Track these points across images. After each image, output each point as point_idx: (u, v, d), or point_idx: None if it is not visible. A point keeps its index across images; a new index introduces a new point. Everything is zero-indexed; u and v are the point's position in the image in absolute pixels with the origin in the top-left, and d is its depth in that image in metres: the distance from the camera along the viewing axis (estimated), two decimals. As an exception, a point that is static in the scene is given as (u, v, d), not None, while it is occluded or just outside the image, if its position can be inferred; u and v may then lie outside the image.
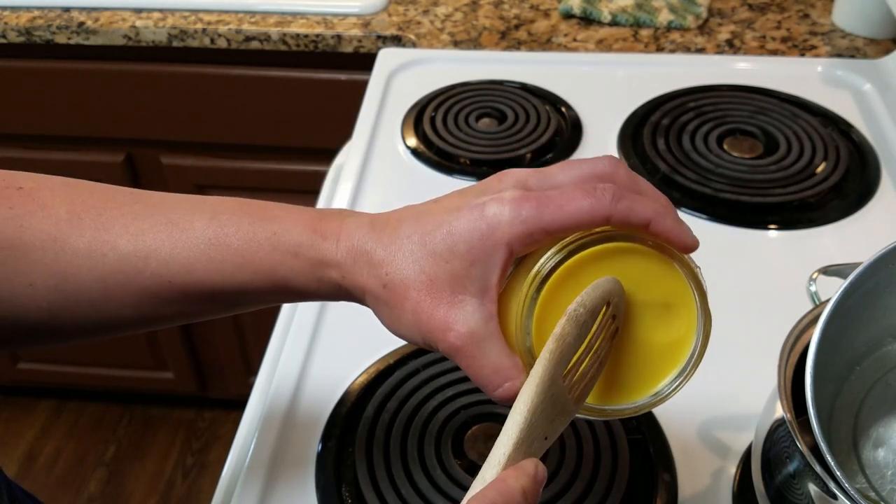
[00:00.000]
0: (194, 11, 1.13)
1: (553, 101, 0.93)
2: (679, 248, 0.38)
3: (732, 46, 1.03)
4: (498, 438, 0.34)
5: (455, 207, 0.39)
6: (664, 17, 1.06)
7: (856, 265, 0.45)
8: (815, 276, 0.55)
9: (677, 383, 0.39)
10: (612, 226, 0.38)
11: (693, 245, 0.38)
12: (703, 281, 0.38)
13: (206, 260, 0.41)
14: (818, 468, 0.41)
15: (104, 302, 0.42)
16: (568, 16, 1.09)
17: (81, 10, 1.14)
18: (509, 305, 0.39)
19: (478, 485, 0.33)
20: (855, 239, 0.75)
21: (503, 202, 0.38)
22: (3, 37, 1.13)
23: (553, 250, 0.38)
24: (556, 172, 0.40)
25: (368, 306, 0.41)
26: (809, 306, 0.51)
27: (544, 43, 1.05)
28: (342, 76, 1.13)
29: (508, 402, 0.37)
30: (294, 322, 0.69)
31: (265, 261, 0.41)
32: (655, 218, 0.37)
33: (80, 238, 0.41)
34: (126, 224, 0.41)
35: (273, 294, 0.43)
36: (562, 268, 0.37)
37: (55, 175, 0.44)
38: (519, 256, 0.39)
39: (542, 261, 0.38)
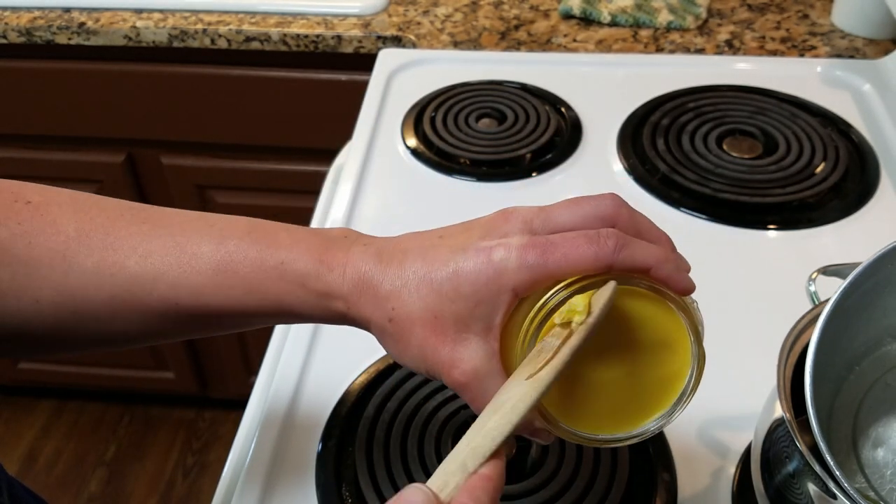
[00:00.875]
0: (195, 12, 1.13)
1: (553, 102, 0.93)
2: (677, 292, 0.39)
3: (732, 47, 1.03)
4: (489, 426, 0.34)
5: (461, 247, 0.40)
6: (664, 17, 1.06)
7: (855, 265, 0.45)
8: (814, 276, 0.56)
9: (667, 419, 0.40)
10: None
11: (690, 289, 0.40)
12: (700, 322, 0.40)
13: (214, 286, 0.42)
14: (817, 468, 0.41)
15: (110, 320, 0.42)
16: (568, 16, 1.10)
17: (82, 10, 1.14)
18: (511, 340, 0.40)
19: (455, 468, 0.34)
20: (854, 239, 0.75)
21: (510, 248, 0.39)
22: (4, 37, 1.14)
23: (555, 290, 0.39)
24: (560, 212, 0.40)
25: (373, 335, 0.42)
26: (809, 306, 0.51)
27: (544, 43, 1.05)
28: (342, 76, 1.13)
29: None
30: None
31: (272, 289, 0.41)
32: (656, 265, 0.39)
33: (88, 257, 0.41)
34: (134, 245, 0.42)
35: (279, 318, 0.43)
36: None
37: (59, 181, 0.45)
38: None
39: (543, 300, 0.39)
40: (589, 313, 0.37)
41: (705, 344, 0.40)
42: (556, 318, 0.38)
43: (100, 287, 0.41)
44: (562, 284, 0.38)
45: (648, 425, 0.40)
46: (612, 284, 0.38)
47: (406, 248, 0.41)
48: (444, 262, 0.39)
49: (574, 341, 0.37)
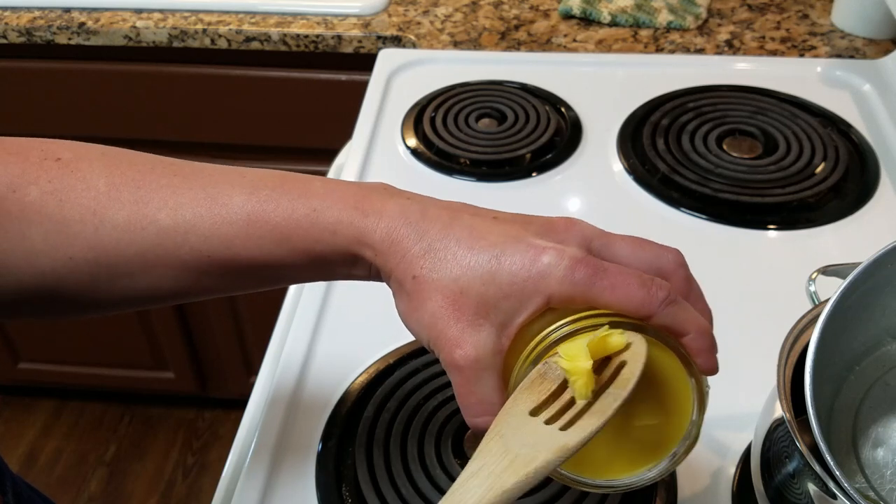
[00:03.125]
0: (195, 12, 1.13)
1: (553, 102, 0.93)
2: (702, 368, 0.38)
3: (732, 47, 1.03)
4: (504, 483, 0.33)
5: (514, 237, 0.39)
6: (664, 17, 1.06)
7: (855, 265, 0.45)
8: (814, 276, 0.56)
9: (641, 481, 0.39)
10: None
11: (715, 370, 0.39)
12: (707, 404, 0.39)
13: (245, 236, 0.41)
14: (817, 468, 0.41)
15: (143, 275, 0.42)
16: (568, 16, 1.10)
17: (82, 10, 1.14)
18: (519, 347, 0.39)
19: None
20: (854, 239, 0.75)
21: (562, 256, 0.37)
22: (4, 37, 1.14)
23: (587, 314, 0.38)
24: (621, 245, 0.40)
25: (390, 288, 0.41)
26: (809, 306, 0.51)
27: (544, 43, 1.05)
28: (342, 76, 1.13)
29: (479, 432, 0.37)
30: (294, 322, 0.69)
31: (304, 237, 0.41)
32: (695, 334, 0.38)
33: (120, 212, 0.41)
34: (165, 197, 0.42)
35: (310, 270, 0.43)
36: (585, 334, 0.37)
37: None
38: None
39: (568, 318, 0.38)
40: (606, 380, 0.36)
41: None
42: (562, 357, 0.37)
43: (131, 241, 0.41)
44: (593, 311, 0.37)
45: (614, 482, 0.39)
46: (641, 357, 0.36)
47: (454, 215, 0.40)
48: (492, 243, 0.38)
49: (610, 410, 0.35)
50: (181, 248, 0.41)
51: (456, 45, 1.05)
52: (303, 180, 0.42)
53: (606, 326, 0.37)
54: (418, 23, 1.10)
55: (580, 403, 0.36)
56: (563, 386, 0.37)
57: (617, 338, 0.37)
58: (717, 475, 0.56)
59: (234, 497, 0.56)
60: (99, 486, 1.69)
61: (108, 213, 0.41)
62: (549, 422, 0.35)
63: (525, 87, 0.96)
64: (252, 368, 1.57)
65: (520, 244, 0.38)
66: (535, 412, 0.36)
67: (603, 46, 1.04)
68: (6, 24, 1.12)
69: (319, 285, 0.71)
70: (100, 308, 0.45)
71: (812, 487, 0.42)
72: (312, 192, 0.42)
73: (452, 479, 0.55)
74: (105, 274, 0.42)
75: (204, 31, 1.10)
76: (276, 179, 0.42)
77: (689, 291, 0.40)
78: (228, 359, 1.57)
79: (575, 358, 0.36)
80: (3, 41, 1.14)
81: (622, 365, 0.37)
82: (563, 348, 0.37)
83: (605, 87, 0.97)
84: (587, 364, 0.36)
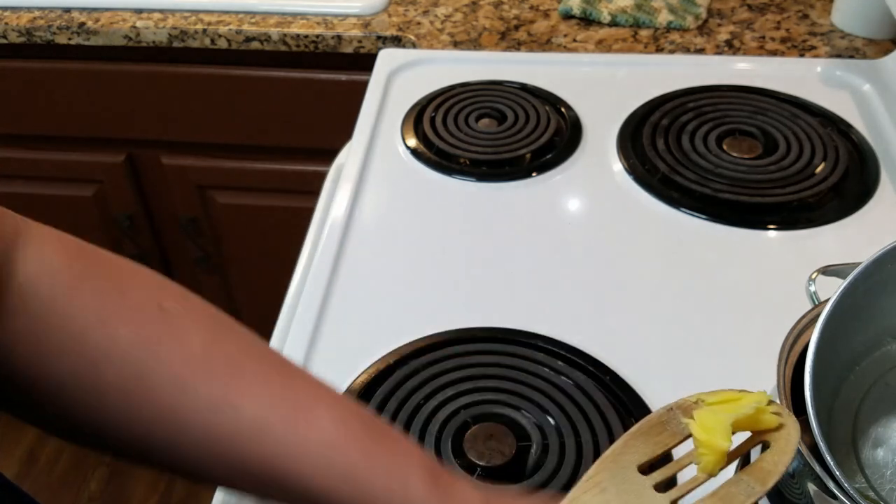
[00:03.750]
0: (195, 12, 1.13)
1: (553, 102, 0.93)
2: None
3: (732, 47, 1.03)
4: None
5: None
6: (664, 17, 1.06)
7: (855, 265, 0.45)
8: (814, 276, 0.56)
9: None
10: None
11: None
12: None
13: (316, 455, 0.39)
14: (817, 468, 0.41)
15: (181, 447, 0.39)
16: (567, 16, 1.10)
17: (82, 10, 1.14)
18: None
19: None
20: (854, 239, 0.75)
21: None
22: (4, 37, 1.14)
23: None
24: None
25: None
26: (809, 306, 0.51)
27: (544, 43, 1.05)
28: (342, 76, 1.13)
29: None
30: (294, 322, 0.69)
31: (372, 485, 0.38)
32: None
33: (205, 386, 0.39)
34: (255, 387, 0.39)
35: None
36: (730, 400, 0.35)
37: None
38: None
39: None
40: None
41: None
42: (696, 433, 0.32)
43: (204, 420, 0.38)
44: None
45: None
46: (791, 446, 0.32)
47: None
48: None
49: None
50: (246, 446, 0.38)
51: (456, 45, 1.05)
52: (390, 429, 0.42)
53: (762, 396, 0.33)
54: (418, 23, 1.10)
55: (699, 476, 0.32)
56: (683, 440, 0.33)
57: (769, 417, 0.33)
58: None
59: (234, 497, 0.56)
60: (99, 486, 1.69)
61: (195, 382, 0.39)
62: (658, 487, 0.32)
63: (525, 87, 0.96)
64: (252, 368, 1.57)
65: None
66: (645, 468, 0.32)
67: (603, 46, 1.04)
68: (6, 24, 1.12)
69: (319, 283, 0.71)
70: (114, 452, 0.43)
71: (812, 487, 0.42)
72: (398, 441, 0.41)
73: (452, 479, 0.55)
74: (162, 441, 0.39)
75: (204, 31, 1.10)
76: (367, 415, 0.42)
77: None
78: (228, 359, 1.56)
79: (712, 432, 0.32)
80: (3, 41, 1.14)
81: (758, 442, 0.33)
82: (699, 415, 0.33)
83: (605, 87, 0.97)
84: (725, 445, 0.32)
